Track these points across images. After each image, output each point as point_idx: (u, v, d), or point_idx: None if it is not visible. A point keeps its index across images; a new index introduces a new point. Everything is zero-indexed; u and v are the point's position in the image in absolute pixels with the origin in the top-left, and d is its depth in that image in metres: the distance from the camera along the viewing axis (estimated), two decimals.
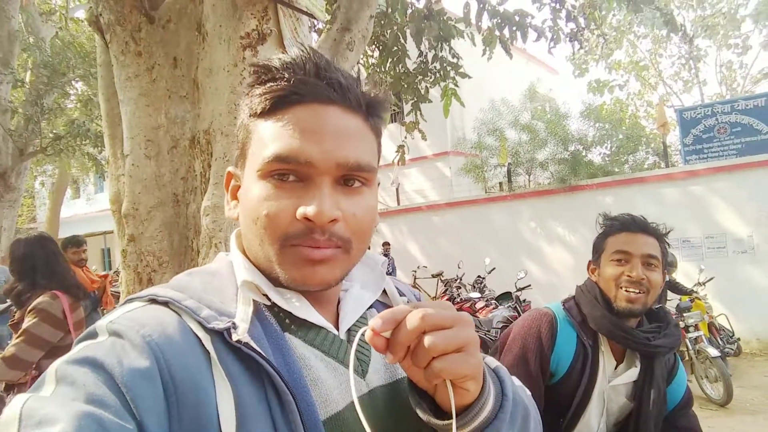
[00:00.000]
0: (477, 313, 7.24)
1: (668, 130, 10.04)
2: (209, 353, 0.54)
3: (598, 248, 1.52)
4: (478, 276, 9.21)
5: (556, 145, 10.82)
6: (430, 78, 4.59)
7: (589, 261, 1.57)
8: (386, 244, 10.83)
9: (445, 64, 4.48)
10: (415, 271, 11.41)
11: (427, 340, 0.51)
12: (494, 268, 9.04)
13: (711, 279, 7.00)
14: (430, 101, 4.83)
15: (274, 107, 0.60)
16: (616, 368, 1.45)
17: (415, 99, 4.68)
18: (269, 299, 0.63)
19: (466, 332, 0.54)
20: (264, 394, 0.54)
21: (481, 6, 3.81)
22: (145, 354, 0.50)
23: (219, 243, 1.95)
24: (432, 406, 0.59)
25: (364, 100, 0.63)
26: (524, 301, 7.40)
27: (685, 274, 7.87)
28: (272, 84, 0.60)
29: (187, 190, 2.18)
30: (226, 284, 0.63)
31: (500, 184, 11.64)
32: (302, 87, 0.59)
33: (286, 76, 0.59)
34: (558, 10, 4.17)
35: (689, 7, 14.56)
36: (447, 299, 8.37)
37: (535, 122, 11.48)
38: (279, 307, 0.63)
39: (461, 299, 7.99)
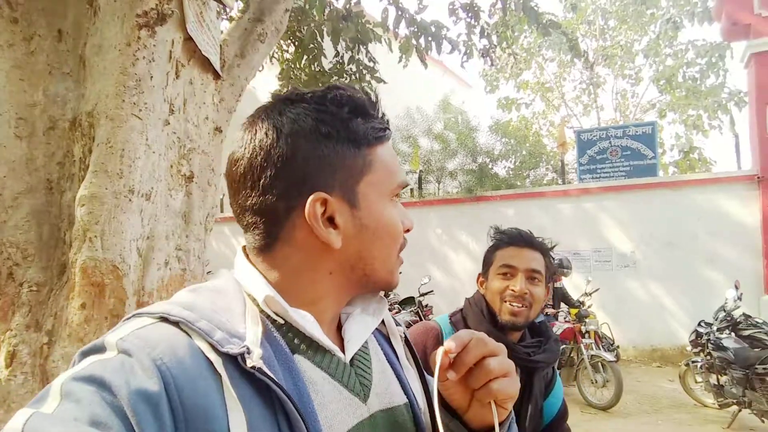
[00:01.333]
0: None
1: (567, 149, 10.80)
2: (220, 376, 0.54)
3: (487, 261, 1.55)
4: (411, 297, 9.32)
5: (465, 156, 11.24)
6: (346, 79, 4.55)
7: (479, 274, 1.59)
8: None
9: (361, 67, 4.47)
10: None
11: (491, 363, 0.63)
12: (400, 273, 9.17)
13: (597, 290, 7.59)
14: None
15: (380, 140, 0.69)
16: None
17: None
18: (281, 319, 0.64)
19: (508, 360, 0.66)
20: (275, 418, 0.55)
21: (399, 14, 3.83)
22: (154, 377, 0.50)
23: (94, 237, 1.77)
24: (462, 423, 0.69)
25: None
26: (426, 306, 7.57)
27: (574, 285, 8.47)
28: (379, 121, 0.69)
29: (63, 176, 1.97)
30: (233, 303, 0.62)
31: (411, 190, 11.88)
32: (389, 128, 0.72)
33: (379, 115, 0.70)
34: (473, 26, 4.31)
35: (592, 36, 15.76)
36: None
37: (447, 132, 11.85)
38: (288, 326, 0.64)
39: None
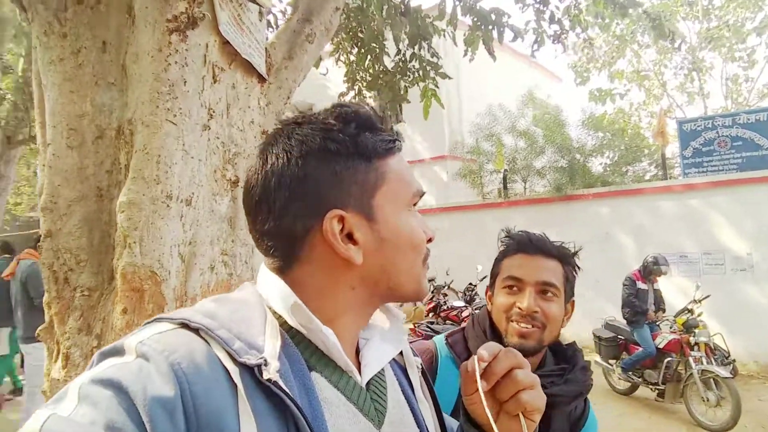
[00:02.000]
0: (463, 322, 7.07)
1: (667, 141, 9.86)
2: (236, 386, 0.54)
3: (493, 272, 1.30)
4: (470, 283, 9.04)
5: (554, 153, 10.65)
6: (409, 77, 4.43)
7: (487, 287, 1.36)
8: None
9: (424, 64, 4.32)
10: None
11: (520, 374, 0.66)
12: (486, 276, 8.83)
13: (707, 297, 6.80)
14: (408, 101, 4.67)
15: (392, 152, 0.70)
16: None
17: (393, 98, 4.52)
18: (304, 329, 0.64)
19: (533, 374, 0.69)
20: (286, 430, 0.55)
21: (456, 3, 3.64)
22: (171, 383, 0.50)
23: (133, 243, 1.79)
24: None
25: None
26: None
27: (681, 290, 7.67)
28: (388, 133, 0.70)
29: (112, 183, 2.03)
30: (254, 314, 0.63)
31: (499, 190, 11.48)
32: (399, 139, 0.72)
33: (387, 128, 0.70)
34: (542, 12, 4.00)
35: (694, 18, 14.29)
36: (432, 306, 8.19)
37: (533, 129, 11.31)
38: (307, 343, 0.64)
39: (448, 307, 7.82)
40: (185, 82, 1.90)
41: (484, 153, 11.61)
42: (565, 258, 1.27)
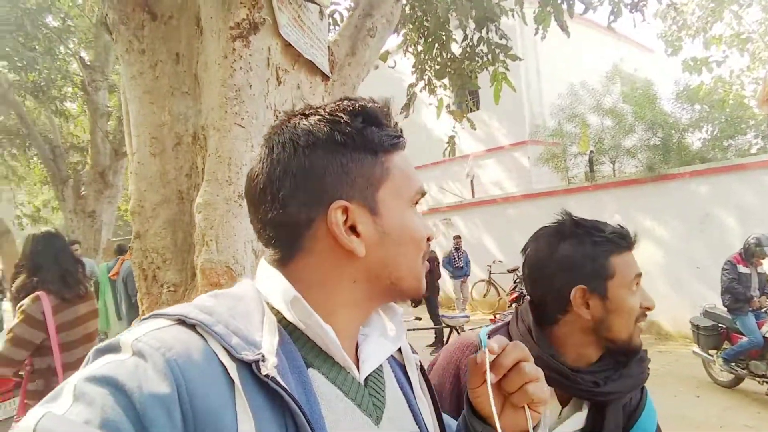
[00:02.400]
0: None
1: None
2: (233, 382, 0.54)
3: (600, 271, 1.11)
4: None
5: (644, 131, 9.93)
6: (477, 62, 4.31)
7: (579, 288, 1.12)
8: (458, 237, 10.55)
9: (492, 47, 4.18)
10: (490, 266, 11.03)
11: (527, 367, 0.67)
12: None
13: None
14: (478, 87, 4.55)
15: (395, 149, 0.69)
16: (560, 414, 1.14)
17: (462, 85, 4.42)
18: (303, 324, 0.64)
19: (537, 367, 0.69)
20: (285, 430, 0.55)
21: None
22: (168, 380, 0.50)
23: (210, 241, 1.91)
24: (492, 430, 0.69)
25: None
26: None
27: None
28: (394, 129, 0.70)
29: (191, 186, 2.17)
30: (251, 310, 0.62)
31: (585, 173, 10.90)
32: (403, 135, 0.72)
33: (393, 123, 0.70)
34: None
35: None
36: (516, 296, 7.99)
37: (621, 106, 10.61)
38: (305, 339, 0.64)
39: None
40: (250, 86, 1.98)
41: (568, 135, 11.05)
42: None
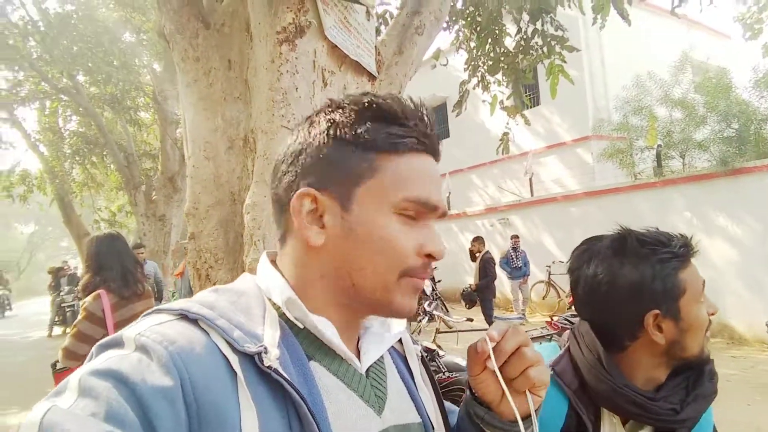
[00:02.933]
0: None
1: None
2: (235, 374, 0.55)
3: (671, 291, 1.02)
4: None
5: (718, 122, 9.28)
6: (532, 55, 4.18)
7: (652, 313, 1.03)
8: (515, 236, 10.31)
9: (548, 39, 4.04)
10: (549, 267, 10.69)
11: (528, 352, 0.67)
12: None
13: None
14: (531, 81, 4.40)
15: (399, 149, 0.65)
16: None
17: (515, 80, 4.29)
18: (300, 324, 0.65)
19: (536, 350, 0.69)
20: (287, 420, 0.55)
21: None
22: (171, 373, 0.51)
23: (258, 241, 1.96)
24: (495, 414, 0.71)
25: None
26: None
27: None
28: (402, 128, 0.65)
29: (243, 188, 2.24)
30: (253, 305, 0.64)
31: (653, 169, 10.33)
32: (427, 139, 0.67)
33: (419, 126, 0.66)
34: None
35: None
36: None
37: (692, 96, 9.97)
38: (306, 332, 0.64)
39: None
40: (296, 88, 2.02)
41: (634, 129, 10.50)
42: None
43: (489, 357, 0.67)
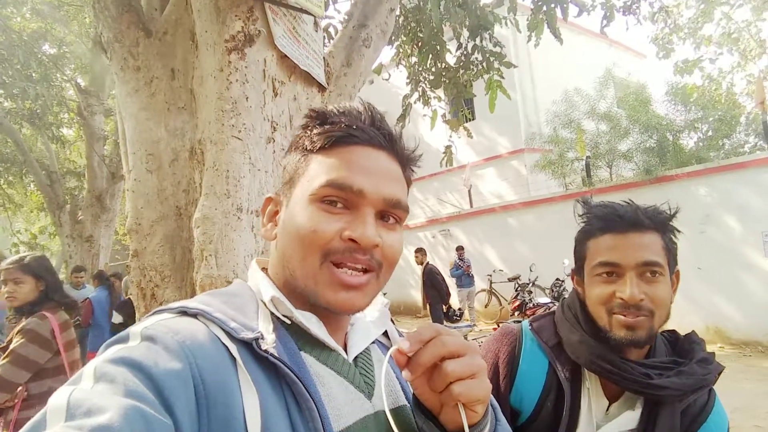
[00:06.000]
0: None
1: (767, 107, 8.86)
2: (235, 360, 0.59)
3: (578, 255, 1.12)
4: (557, 279, 8.67)
5: (640, 134, 9.95)
6: (473, 71, 4.31)
7: (572, 271, 1.18)
8: (460, 248, 10.51)
9: (487, 55, 4.19)
10: (491, 275, 10.98)
11: (449, 366, 0.60)
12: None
13: None
14: (474, 95, 4.54)
15: (331, 145, 0.69)
16: (607, 410, 1.08)
17: (457, 94, 4.41)
18: (289, 319, 0.68)
19: (477, 360, 0.63)
20: (284, 401, 0.59)
21: None
22: (179, 358, 0.54)
23: (209, 256, 1.87)
24: (437, 424, 0.66)
25: (404, 153, 0.75)
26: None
27: None
28: (329, 126, 0.69)
29: (189, 202, 2.14)
30: (246, 304, 0.68)
31: (582, 179, 10.89)
32: (359, 131, 0.69)
33: (343, 120, 0.69)
34: None
35: None
36: (518, 304, 7.93)
37: (615, 110, 10.64)
38: (296, 327, 0.68)
39: (534, 305, 7.53)
40: (247, 98, 1.96)
41: (564, 141, 11.07)
42: (662, 226, 1.08)
43: (405, 366, 0.62)
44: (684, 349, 1.09)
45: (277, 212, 0.75)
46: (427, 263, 8.56)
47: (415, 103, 5.04)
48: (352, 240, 0.65)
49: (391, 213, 0.70)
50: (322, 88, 2.49)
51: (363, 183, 0.66)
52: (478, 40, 4.00)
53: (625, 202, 1.12)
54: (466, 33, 4.00)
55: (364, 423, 0.67)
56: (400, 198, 0.70)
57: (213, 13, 1.94)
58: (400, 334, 0.82)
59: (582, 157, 10.56)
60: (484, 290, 11.15)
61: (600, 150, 10.51)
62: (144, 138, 2.13)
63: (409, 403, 0.75)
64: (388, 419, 0.67)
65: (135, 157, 2.13)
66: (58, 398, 0.47)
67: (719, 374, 1.05)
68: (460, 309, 9.78)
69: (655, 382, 0.99)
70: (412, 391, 0.73)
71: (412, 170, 0.78)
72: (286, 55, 2.17)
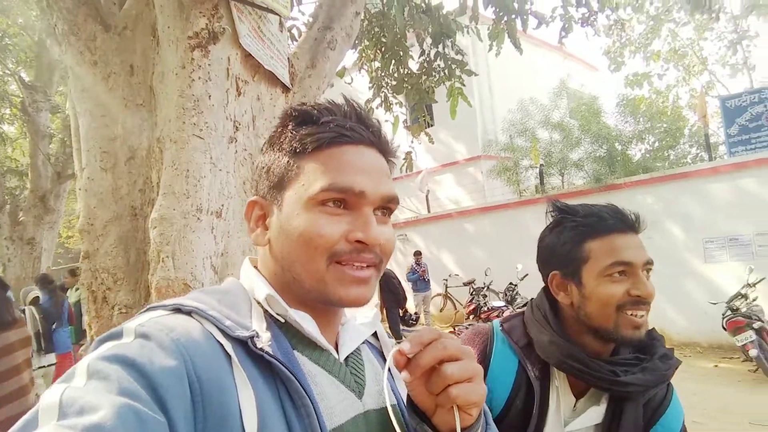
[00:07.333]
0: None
1: (708, 122, 9.38)
2: (230, 358, 0.59)
3: (571, 257, 1.12)
4: (510, 283, 8.86)
5: (591, 143, 10.35)
6: (435, 77, 4.37)
7: (554, 274, 1.15)
8: (418, 253, 10.59)
9: (449, 62, 4.26)
10: (446, 280, 11.11)
11: (448, 369, 0.61)
12: (527, 275, 8.64)
13: (762, 279, 6.43)
14: (435, 101, 4.60)
15: (323, 146, 0.68)
16: (575, 406, 1.12)
17: (419, 100, 4.46)
18: (283, 318, 0.68)
19: (474, 364, 0.64)
20: (279, 398, 0.59)
21: None
22: (174, 355, 0.53)
23: (166, 257, 1.81)
24: (431, 426, 0.66)
25: (389, 147, 0.75)
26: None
27: (733, 274, 7.28)
28: (318, 127, 0.68)
29: (145, 202, 2.07)
30: (239, 302, 0.67)
31: (536, 186, 11.22)
32: (349, 131, 0.69)
33: (330, 119, 0.69)
34: None
35: None
36: (473, 308, 8.06)
37: (568, 120, 11.02)
38: (288, 326, 0.68)
39: (488, 308, 7.67)
40: (209, 96, 1.92)
41: (518, 149, 11.39)
42: (642, 228, 1.14)
43: (404, 368, 0.63)
44: (645, 345, 1.13)
45: (263, 216, 0.73)
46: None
47: (377, 108, 5.07)
48: (359, 241, 0.66)
49: (388, 207, 0.72)
50: (286, 88, 2.46)
51: (363, 184, 0.67)
52: (440, 47, 4.06)
53: (610, 205, 1.16)
54: (429, 40, 4.04)
55: (355, 422, 0.68)
56: (395, 194, 0.72)
57: (176, 9, 1.89)
58: (390, 336, 0.85)
59: (536, 165, 10.87)
60: (440, 294, 11.27)
61: (553, 158, 10.84)
62: (99, 135, 2.04)
63: (398, 403, 0.76)
64: (379, 418, 0.71)
65: (89, 155, 2.04)
66: (51, 396, 0.46)
67: (676, 369, 1.10)
68: (416, 313, 9.84)
69: (622, 379, 1.03)
70: (399, 392, 0.77)
71: (393, 160, 0.78)
72: (250, 55, 2.13)
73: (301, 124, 0.70)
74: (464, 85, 4.45)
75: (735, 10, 12.79)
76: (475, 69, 7.39)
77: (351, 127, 0.69)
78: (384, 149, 0.74)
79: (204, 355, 0.56)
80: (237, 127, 2.11)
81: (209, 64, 1.92)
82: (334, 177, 0.67)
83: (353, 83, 5.33)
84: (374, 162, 0.71)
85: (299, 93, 2.59)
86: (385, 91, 4.76)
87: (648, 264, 1.09)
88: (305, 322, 0.68)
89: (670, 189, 8.47)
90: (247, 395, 0.57)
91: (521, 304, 7.57)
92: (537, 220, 10.13)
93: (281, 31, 2.44)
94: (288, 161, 0.70)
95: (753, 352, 5.69)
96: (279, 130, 0.73)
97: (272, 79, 2.34)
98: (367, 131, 0.71)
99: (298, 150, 0.69)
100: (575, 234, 1.12)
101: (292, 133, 0.70)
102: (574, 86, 12.58)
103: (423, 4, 3.68)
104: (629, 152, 10.52)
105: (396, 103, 4.93)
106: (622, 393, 1.05)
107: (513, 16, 3.72)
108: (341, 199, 0.67)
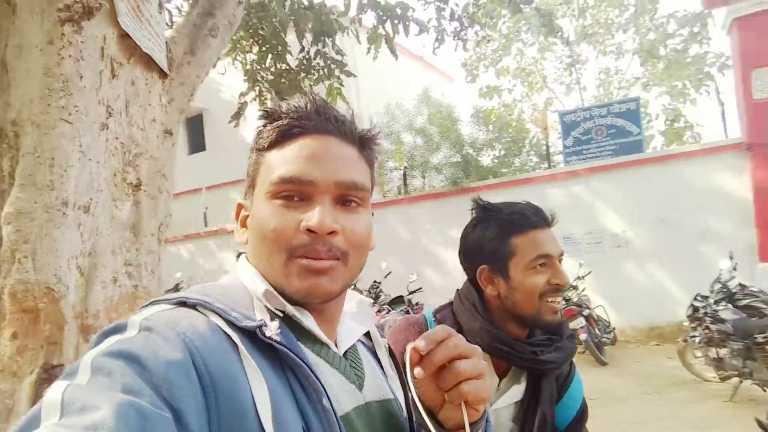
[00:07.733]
0: None
1: (548, 133, 10.68)
2: (237, 348, 0.59)
3: (498, 252, 1.21)
4: (374, 281, 9.15)
5: (449, 149, 11.10)
6: (313, 75, 4.37)
7: (482, 268, 1.24)
8: None
9: (329, 62, 4.28)
10: None
11: (461, 366, 0.64)
12: (390, 273, 9.01)
13: (589, 273, 7.45)
14: None
15: (280, 140, 0.70)
16: (498, 386, 1.24)
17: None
18: (282, 312, 0.68)
19: (482, 362, 0.67)
20: (289, 386, 0.60)
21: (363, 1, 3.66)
22: (180, 348, 0.53)
23: (24, 258, 1.59)
24: (436, 422, 0.69)
25: (357, 133, 0.74)
26: (417, 304, 7.43)
27: (567, 269, 8.32)
28: (277, 122, 0.71)
29: None
30: (241, 297, 0.67)
31: (399, 187, 11.72)
32: (303, 121, 0.70)
33: (288, 112, 0.71)
34: (442, 9, 4.15)
35: (572, 16, 15.53)
36: None
37: (429, 126, 11.71)
38: (288, 319, 0.68)
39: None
40: (81, 77, 1.72)
41: (384, 151, 11.82)
42: (554, 223, 1.30)
43: (417, 364, 0.65)
44: (555, 327, 1.28)
45: (246, 216, 0.75)
46: None
47: (251, 102, 4.89)
48: (310, 230, 0.65)
49: (350, 196, 0.70)
50: (163, 74, 2.29)
51: (312, 172, 0.67)
52: (320, 45, 4.06)
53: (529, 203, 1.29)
54: (309, 37, 4.02)
55: (358, 412, 0.69)
56: (354, 179, 0.70)
57: None
58: (382, 335, 0.88)
59: (400, 167, 11.37)
60: None
61: (415, 161, 11.44)
62: None
63: (394, 397, 0.78)
64: (380, 410, 0.74)
65: None
66: (54, 393, 0.46)
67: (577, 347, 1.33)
68: None
69: (541, 357, 1.18)
70: (395, 390, 0.80)
71: (372, 149, 0.77)
72: (126, 35, 1.95)
73: (268, 121, 0.73)
74: (343, 86, 4.51)
75: (571, 36, 14.63)
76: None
77: (307, 117, 0.70)
78: (349, 136, 0.72)
79: (211, 346, 0.57)
80: (110, 113, 1.92)
81: (82, 41, 1.73)
82: (285, 168, 0.68)
83: (223, 75, 5.07)
84: (332, 149, 0.70)
85: (177, 80, 2.42)
86: (261, 85, 4.63)
87: (561, 255, 1.24)
88: (304, 315, 0.69)
89: (515, 192, 9.43)
90: (258, 384, 0.57)
91: (385, 302, 7.86)
92: (401, 220, 10.64)
93: (160, 13, 2.27)
94: (255, 159, 0.73)
95: (583, 336, 6.59)
96: (256, 132, 0.75)
97: (149, 62, 2.16)
98: (322, 119, 0.71)
99: (260, 147, 0.72)
100: (501, 230, 1.23)
101: (259, 131, 0.73)
102: (436, 95, 13.40)
103: (306, 1, 3.65)
104: (480, 159, 11.48)
105: (271, 99, 4.82)
106: (541, 370, 1.20)
107: (396, 22, 3.85)
108: (296, 191, 0.67)
